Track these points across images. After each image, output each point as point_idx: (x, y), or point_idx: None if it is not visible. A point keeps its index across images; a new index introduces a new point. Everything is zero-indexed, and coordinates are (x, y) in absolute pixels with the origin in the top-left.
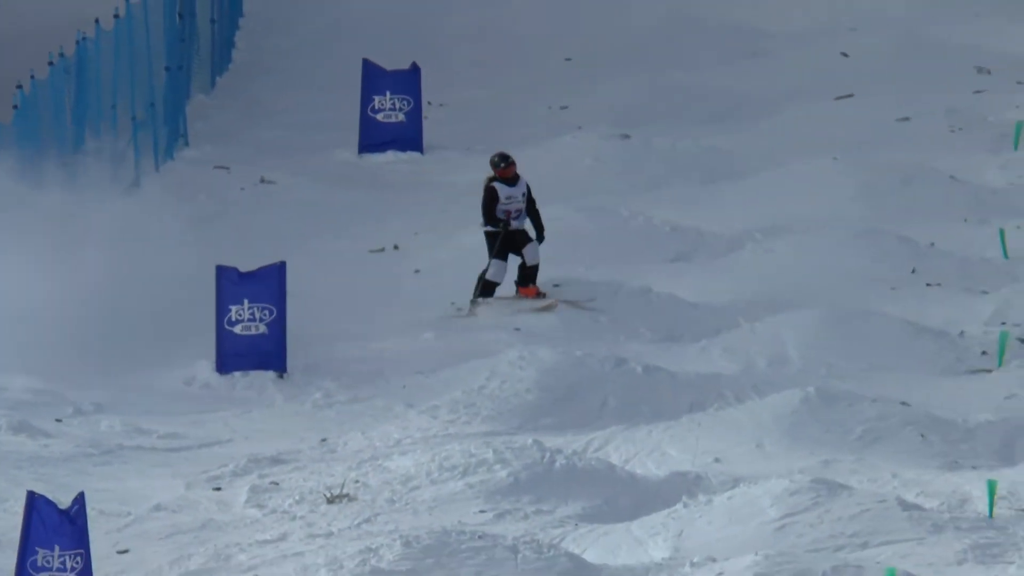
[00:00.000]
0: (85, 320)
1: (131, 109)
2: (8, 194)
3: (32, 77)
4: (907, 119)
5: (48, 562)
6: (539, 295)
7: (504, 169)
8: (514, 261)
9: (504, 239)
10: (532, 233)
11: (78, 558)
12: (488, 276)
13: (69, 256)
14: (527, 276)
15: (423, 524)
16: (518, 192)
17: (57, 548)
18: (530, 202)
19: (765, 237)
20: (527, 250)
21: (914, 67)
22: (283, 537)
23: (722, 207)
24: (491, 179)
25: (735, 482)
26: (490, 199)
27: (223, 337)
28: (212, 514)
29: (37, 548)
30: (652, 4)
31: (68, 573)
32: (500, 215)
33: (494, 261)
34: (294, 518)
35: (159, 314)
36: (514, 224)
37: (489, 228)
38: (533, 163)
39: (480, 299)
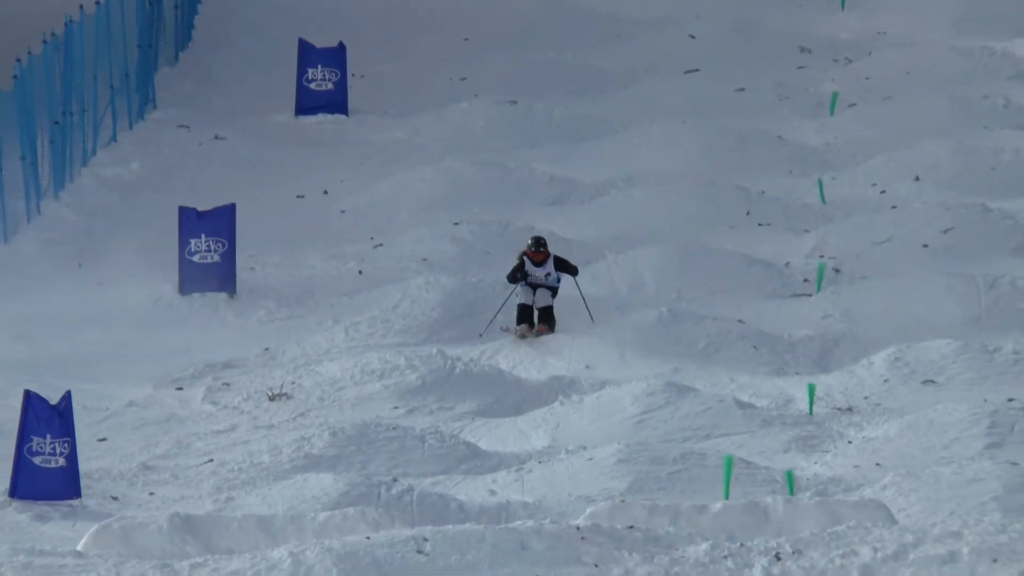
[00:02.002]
0: (71, 250)
1: (109, 79)
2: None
3: (29, 53)
4: (743, 90)
5: (41, 448)
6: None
7: (533, 252)
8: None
9: (518, 269)
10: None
11: (66, 444)
12: (519, 299)
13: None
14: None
15: (347, 418)
16: (541, 273)
17: (48, 436)
18: (564, 269)
19: (625, 186)
20: (538, 294)
21: (748, 48)
22: (233, 428)
23: (590, 161)
24: (523, 253)
25: (602, 385)
26: (515, 270)
27: (184, 265)
28: (175, 409)
29: (32, 436)
30: None
31: (57, 456)
32: (522, 284)
33: (520, 286)
34: (242, 413)
35: (130, 247)
36: (537, 294)
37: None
38: (436, 125)
39: (518, 328)
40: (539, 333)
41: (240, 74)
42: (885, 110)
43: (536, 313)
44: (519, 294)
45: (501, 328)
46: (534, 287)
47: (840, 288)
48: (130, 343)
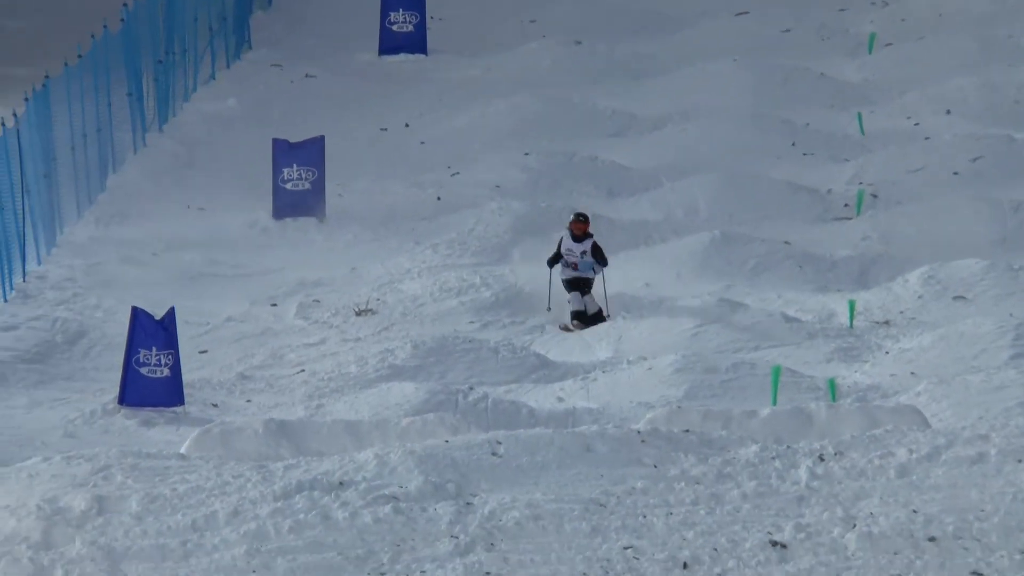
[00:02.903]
0: (174, 178)
1: (208, 22)
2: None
3: None
4: (788, 31)
5: (147, 359)
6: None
7: (573, 223)
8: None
9: (557, 252)
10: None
11: (170, 356)
12: (572, 307)
13: (161, 134)
14: (590, 317)
15: (427, 332)
16: (578, 249)
17: (154, 348)
18: (596, 255)
19: (681, 119)
20: (587, 299)
21: None
22: (323, 341)
23: (648, 97)
24: (568, 227)
25: (660, 301)
26: (555, 255)
27: (278, 192)
28: (269, 324)
29: (139, 348)
30: None
31: (163, 367)
32: (562, 262)
33: (571, 295)
34: (331, 327)
35: (228, 176)
36: (578, 272)
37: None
38: (507, 64)
39: (573, 323)
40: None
41: (327, 17)
42: (918, 49)
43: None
44: (571, 301)
45: (559, 327)
46: (582, 291)
47: (878, 212)
48: (228, 264)
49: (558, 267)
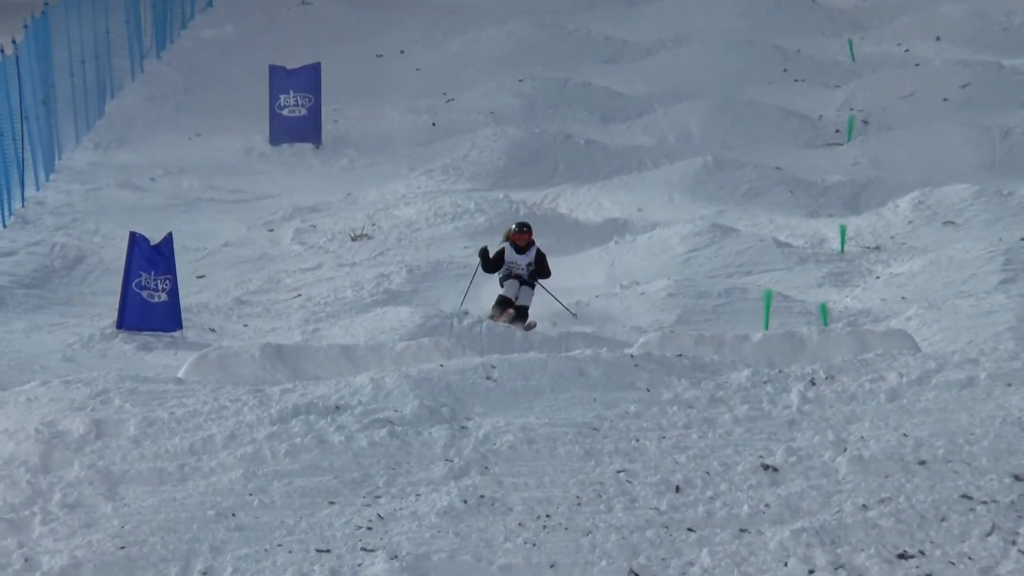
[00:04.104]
0: (172, 104)
1: None
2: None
3: None
4: None
5: (147, 283)
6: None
7: (517, 235)
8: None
9: (497, 258)
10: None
11: (168, 280)
12: (503, 292)
13: (159, 60)
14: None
15: (422, 257)
16: (523, 261)
17: (152, 273)
18: (540, 268)
19: (673, 45)
20: (523, 291)
21: None
22: (319, 266)
23: (641, 22)
24: (505, 238)
25: (652, 226)
26: (495, 258)
27: (274, 118)
28: (266, 249)
29: (139, 272)
30: None
31: (161, 292)
32: (502, 273)
33: (508, 282)
34: (327, 252)
35: (225, 101)
36: (521, 292)
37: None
38: None
39: (494, 310)
40: (529, 328)
41: None
42: None
43: (514, 309)
44: (505, 287)
45: (487, 317)
46: (519, 282)
47: (868, 138)
48: (225, 189)
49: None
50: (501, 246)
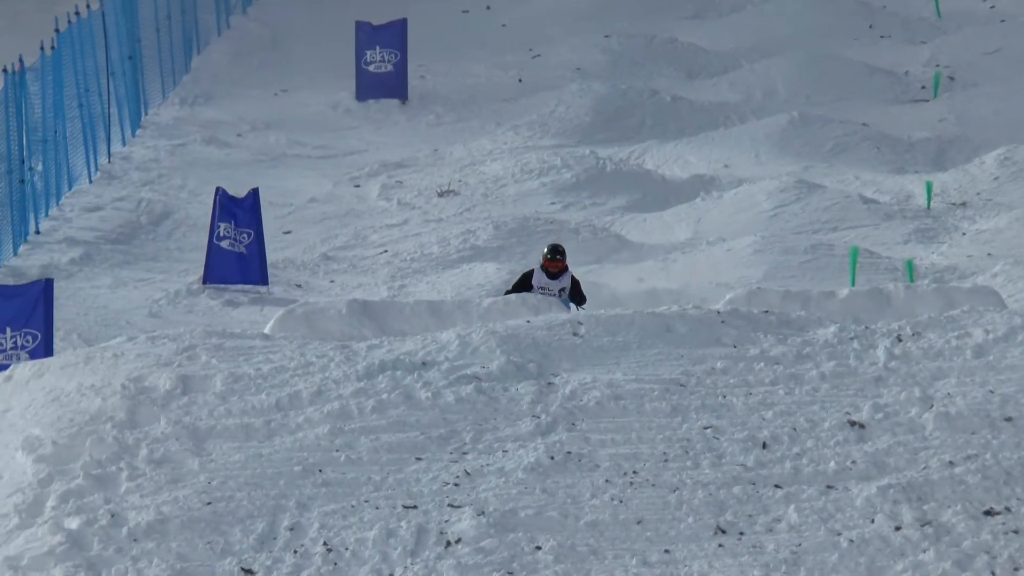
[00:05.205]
0: (258, 60)
1: None
2: None
3: None
4: None
5: (228, 232)
6: None
7: (549, 260)
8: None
9: (521, 284)
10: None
11: (249, 232)
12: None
13: (245, 16)
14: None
15: (508, 212)
16: (556, 286)
17: (233, 223)
18: (575, 294)
19: (760, 1)
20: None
21: None
22: (405, 222)
23: None
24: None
25: (739, 182)
26: (521, 281)
27: (360, 74)
28: (352, 205)
29: (219, 223)
30: None
31: (242, 243)
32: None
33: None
34: (413, 208)
35: (311, 57)
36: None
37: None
38: None
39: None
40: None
41: None
42: None
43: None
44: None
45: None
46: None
47: (954, 94)
48: (311, 145)
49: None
50: (529, 270)
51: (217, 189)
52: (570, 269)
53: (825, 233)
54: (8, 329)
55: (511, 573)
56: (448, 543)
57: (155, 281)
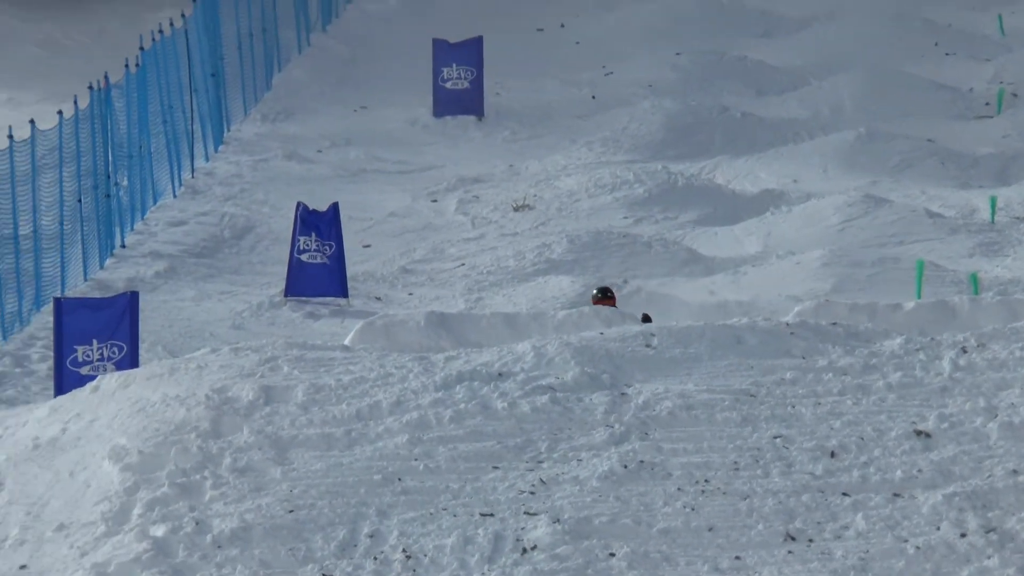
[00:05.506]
0: (338, 77)
1: None
2: None
3: None
4: None
5: (307, 245)
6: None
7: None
8: None
9: None
10: None
11: (331, 245)
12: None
13: (325, 33)
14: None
15: (583, 226)
16: None
17: (314, 235)
18: None
19: (827, 19)
20: None
21: None
22: (482, 236)
23: None
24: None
25: (807, 197)
26: None
27: (437, 90)
28: (430, 219)
29: (299, 237)
30: None
31: (323, 255)
32: None
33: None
34: (490, 222)
35: (389, 74)
36: None
37: None
38: None
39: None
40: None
41: None
42: None
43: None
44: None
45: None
46: None
47: (1018, 110)
48: (390, 160)
49: None
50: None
51: (298, 204)
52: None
53: (891, 247)
54: (95, 341)
55: None
56: (524, 550)
57: (238, 294)
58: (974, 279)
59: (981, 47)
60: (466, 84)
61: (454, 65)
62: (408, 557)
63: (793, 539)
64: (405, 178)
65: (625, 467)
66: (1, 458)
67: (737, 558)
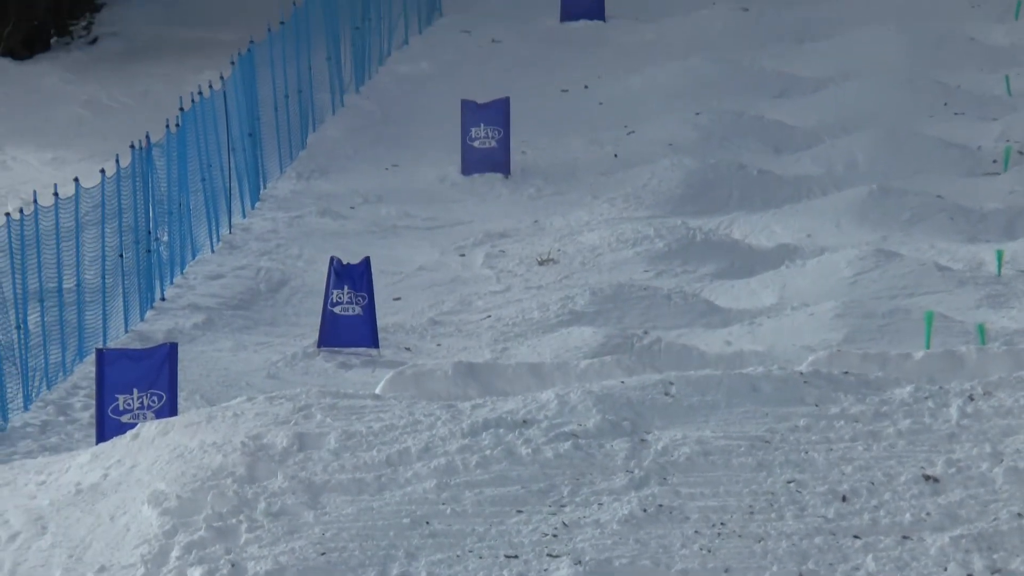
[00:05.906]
0: (370, 136)
1: None
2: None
3: None
4: None
5: (340, 299)
6: None
7: None
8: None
9: None
10: None
11: (363, 297)
12: None
13: (358, 95)
14: None
15: (605, 280)
16: None
17: (346, 287)
18: None
19: (841, 80)
20: None
21: None
22: (508, 289)
23: (811, 59)
24: None
25: (821, 251)
26: None
27: (466, 149)
28: (458, 272)
29: (333, 290)
30: None
31: (355, 306)
32: None
33: None
34: (515, 275)
35: (420, 134)
36: None
37: None
38: (680, 28)
39: None
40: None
41: None
42: None
43: None
44: None
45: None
46: None
47: (1023, 168)
48: (420, 216)
49: None
50: None
51: (331, 258)
52: None
53: (902, 299)
54: (135, 390)
55: None
56: None
57: (273, 344)
58: (981, 330)
59: (989, 107)
60: (493, 143)
61: (482, 125)
62: None
63: None
64: (434, 233)
65: (644, 511)
66: (45, 503)
67: None
